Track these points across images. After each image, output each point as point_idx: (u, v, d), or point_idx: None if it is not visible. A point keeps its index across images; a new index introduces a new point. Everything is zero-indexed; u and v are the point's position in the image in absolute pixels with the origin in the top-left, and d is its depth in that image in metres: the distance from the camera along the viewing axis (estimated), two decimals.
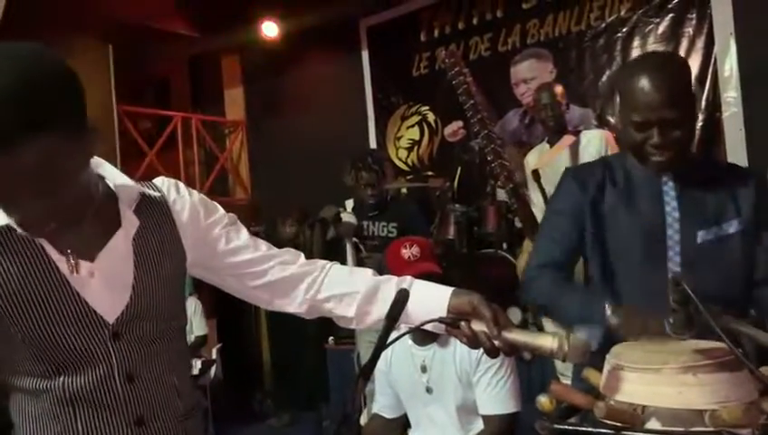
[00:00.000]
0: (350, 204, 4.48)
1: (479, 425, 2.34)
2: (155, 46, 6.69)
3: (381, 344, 1.15)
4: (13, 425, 1.26)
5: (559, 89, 4.09)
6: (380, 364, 2.31)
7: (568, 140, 4.01)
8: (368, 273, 1.38)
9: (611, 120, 4.58)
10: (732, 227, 1.69)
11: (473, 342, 1.23)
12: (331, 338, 5.06)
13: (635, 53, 4.81)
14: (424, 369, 2.37)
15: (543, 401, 1.22)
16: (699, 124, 4.48)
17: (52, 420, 1.20)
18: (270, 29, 6.15)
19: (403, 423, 2.55)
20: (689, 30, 4.63)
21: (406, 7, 5.92)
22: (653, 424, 1.11)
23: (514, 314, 4.01)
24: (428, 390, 2.38)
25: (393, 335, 1.19)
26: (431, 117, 5.88)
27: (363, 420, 2.66)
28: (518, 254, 4.25)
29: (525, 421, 2.20)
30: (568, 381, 1.79)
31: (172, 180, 1.35)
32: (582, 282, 1.89)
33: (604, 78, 4.99)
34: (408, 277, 1.35)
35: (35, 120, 1.02)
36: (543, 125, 4.19)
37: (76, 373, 1.18)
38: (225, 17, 6.30)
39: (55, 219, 1.13)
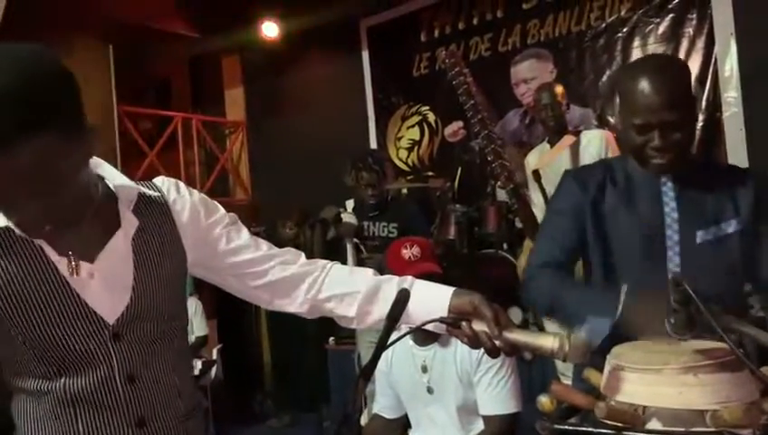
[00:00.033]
0: (350, 204, 4.47)
1: (480, 425, 2.34)
2: (155, 47, 6.69)
3: (382, 345, 1.15)
4: (15, 426, 1.26)
5: (559, 89, 4.09)
6: (381, 365, 2.31)
7: (568, 140, 4.01)
8: (368, 272, 1.37)
9: (611, 120, 4.57)
10: (731, 227, 1.69)
11: (474, 342, 1.23)
12: (331, 339, 5.06)
13: (635, 53, 4.80)
14: (425, 369, 2.37)
15: (544, 401, 1.22)
16: (700, 124, 4.48)
17: (54, 421, 1.20)
18: (270, 29, 6.15)
19: (404, 424, 2.55)
20: (690, 30, 4.62)
21: (406, 7, 5.91)
22: (654, 425, 1.11)
23: (515, 315, 4.01)
24: (429, 390, 2.38)
25: (394, 336, 1.19)
26: (431, 117, 5.87)
27: (364, 420, 2.66)
28: (519, 254, 4.25)
29: (526, 422, 2.20)
30: (569, 382, 1.79)
31: (172, 180, 1.34)
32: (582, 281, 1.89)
33: (604, 78, 4.98)
34: (409, 277, 1.35)
35: (32, 121, 1.02)
36: (544, 125, 4.19)
37: (77, 374, 1.18)
38: (225, 17, 6.30)
39: (54, 220, 1.13)
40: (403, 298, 1.21)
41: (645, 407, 1.12)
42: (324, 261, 1.40)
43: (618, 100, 1.73)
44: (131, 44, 6.21)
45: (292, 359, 5.79)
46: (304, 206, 5.49)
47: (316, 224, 4.53)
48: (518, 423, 2.30)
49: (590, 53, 5.04)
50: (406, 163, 6.06)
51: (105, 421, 1.20)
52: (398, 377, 2.46)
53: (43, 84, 1.03)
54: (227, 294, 1.41)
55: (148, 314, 1.23)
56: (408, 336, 1.96)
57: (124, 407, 1.21)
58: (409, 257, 2.43)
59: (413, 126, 5.99)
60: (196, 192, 1.35)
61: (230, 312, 6.31)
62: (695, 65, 4.50)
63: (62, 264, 1.16)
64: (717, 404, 1.08)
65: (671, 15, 4.70)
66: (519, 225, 4.37)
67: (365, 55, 6.19)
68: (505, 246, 4.53)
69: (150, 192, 1.29)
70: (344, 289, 1.35)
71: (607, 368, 1.22)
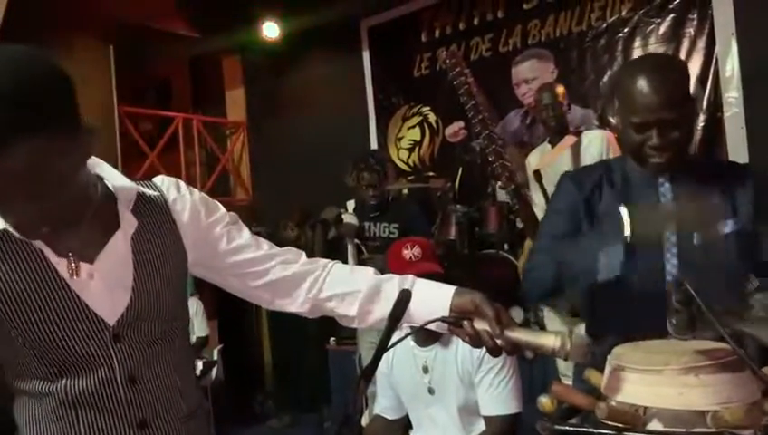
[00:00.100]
0: (351, 205, 4.47)
1: (481, 426, 2.33)
2: (156, 47, 6.68)
3: (383, 345, 1.15)
4: (17, 427, 1.26)
5: (560, 89, 4.09)
6: (382, 365, 2.29)
7: (569, 140, 4.01)
8: (369, 272, 1.37)
9: (612, 120, 4.57)
10: (728, 227, 1.69)
11: (475, 341, 1.23)
12: (332, 339, 5.06)
13: (636, 53, 4.80)
14: (426, 370, 2.37)
15: (545, 401, 1.21)
16: (701, 124, 4.48)
17: (55, 423, 1.20)
18: (271, 30, 6.15)
19: (405, 424, 2.55)
20: (690, 30, 4.62)
21: (407, 8, 5.91)
22: (654, 425, 1.11)
23: (517, 314, 4.00)
24: (430, 390, 2.37)
25: (395, 336, 1.19)
26: (432, 117, 5.87)
27: (365, 421, 2.66)
28: (519, 254, 4.25)
29: (527, 422, 2.20)
30: (569, 382, 1.79)
31: (173, 179, 1.34)
32: None
33: (605, 78, 4.98)
34: (411, 276, 1.35)
35: (27, 122, 1.01)
36: (545, 125, 4.18)
37: (78, 376, 1.18)
38: (225, 18, 6.29)
39: (51, 221, 1.13)
40: (405, 298, 1.21)
41: (646, 407, 1.12)
42: (325, 260, 1.40)
43: (617, 99, 1.74)
44: (132, 45, 6.20)
45: (293, 359, 5.79)
46: (305, 206, 5.48)
47: (317, 224, 4.52)
48: (519, 424, 2.30)
49: (591, 54, 5.04)
50: (406, 163, 6.05)
51: (106, 422, 1.20)
52: (399, 378, 2.46)
53: (37, 85, 1.03)
54: (228, 294, 1.40)
55: (148, 314, 1.23)
56: (408, 337, 1.96)
57: (125, 408, 1.21)
58: (410, 258, 2.43)
59: (414, 126, 5.99)
60: (196, 191, 1.35)
61: (231, 312, 6.31)
62: (695, 65, 4.50)
63: (61, 265, 1.16)
64: (718, 405, 1.08)
65: (672, 16, 4.69)
66: (520, 225, 4.36)
67: (366, 56, 6.19)
68: (506, 246, 4.52)
69: (150, 192, 1.29)
70: (345, 288, 1.35)
71: (607, 368, 1.22)
